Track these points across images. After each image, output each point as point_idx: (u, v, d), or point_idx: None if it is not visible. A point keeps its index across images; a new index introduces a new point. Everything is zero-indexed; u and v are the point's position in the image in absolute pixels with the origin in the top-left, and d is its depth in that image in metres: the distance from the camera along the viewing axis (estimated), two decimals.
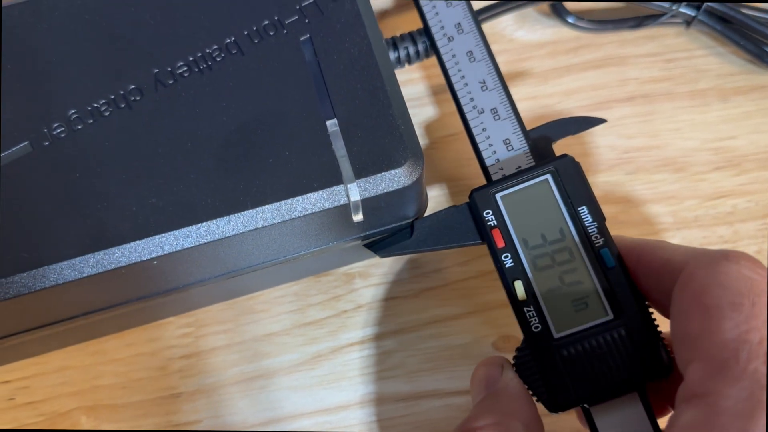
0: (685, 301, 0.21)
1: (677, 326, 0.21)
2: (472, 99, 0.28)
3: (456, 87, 0.29)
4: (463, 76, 0.29)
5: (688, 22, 0.34)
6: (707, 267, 0.21)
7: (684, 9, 0.33)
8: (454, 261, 0.32)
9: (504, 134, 0.28)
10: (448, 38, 0.29)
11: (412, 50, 0.30)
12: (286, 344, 0.31)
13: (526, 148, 0.27)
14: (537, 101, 0.34)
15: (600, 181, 0.33)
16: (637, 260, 0.24)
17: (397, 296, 0.31)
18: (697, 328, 0.20)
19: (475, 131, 0.28)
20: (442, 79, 0.30)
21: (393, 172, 0.25)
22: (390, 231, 0.28)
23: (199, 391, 0.30)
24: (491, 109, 0.28)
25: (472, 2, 0.35)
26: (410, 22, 0.34)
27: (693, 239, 0.32)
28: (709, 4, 0.33)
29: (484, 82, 0.28)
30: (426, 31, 0.30)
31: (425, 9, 0.30)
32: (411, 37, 0.30)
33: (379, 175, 0.25)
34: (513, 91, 0.34)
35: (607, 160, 0.33)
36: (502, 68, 0.35)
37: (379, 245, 0.28)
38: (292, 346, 0.31)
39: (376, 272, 0.32)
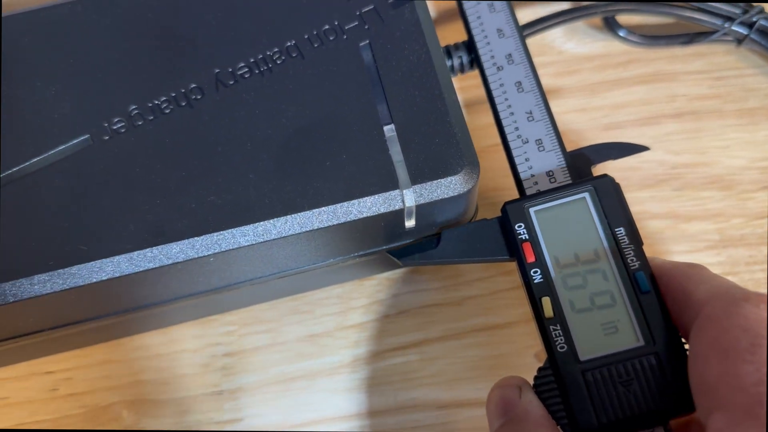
0: (702, 344, 0.20)
1: (695, 371, 0.21)
2: (517, 128, 0.28)
3: (502, 116, 0.28)
4: (510, 106, 0.28)
5: (740, 40, 0.34)
6: (727, 309, 0.20)
7: (736, 27, 0.33)
8: (498, 270, 0.32)
9: (548, 165, 0.27)
10: (498, 68, 0.29)
11: (465, 59, 0.30)
12: (328, 346, 0.31)
13: (570, 181, 0.27)
14: (585, 114, 0.34)
15: (647, 196, 0.33)
16: (664, 287, 0.23)
17: (440, 303, 0.31)
18: (716, 373, 0.20)
19: (517, 161, 0.27)
20: (479, 90, 0.30)
21: (449, 179, 0.25)
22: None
23: (241, 389, 0.30)
24: (536, 140, 0.28)
25: (525, 11, 0.35)
26: (456, 32, 0.34)
27: (739, 258, 0.32)
28: (762, 23, 0.33)
29: (531, 113, 0.28)
30: (476, 60, 0.30)
31: (477, 38, 0.29)
32: (465, 46, 0.30)
33: (435, 181, 0.25)
34: (560, 102, 0.35)
35: (655, 175, 0.33)
36: (551, 80, 0.35)
37: (402, 253, 0.27)
38: (333, 349, 0.31)
39: (419, 278, 0.32)
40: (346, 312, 0.32)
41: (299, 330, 0.31)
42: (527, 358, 0.30)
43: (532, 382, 0.24)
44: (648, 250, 0.32)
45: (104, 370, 0.31)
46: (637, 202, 0.32)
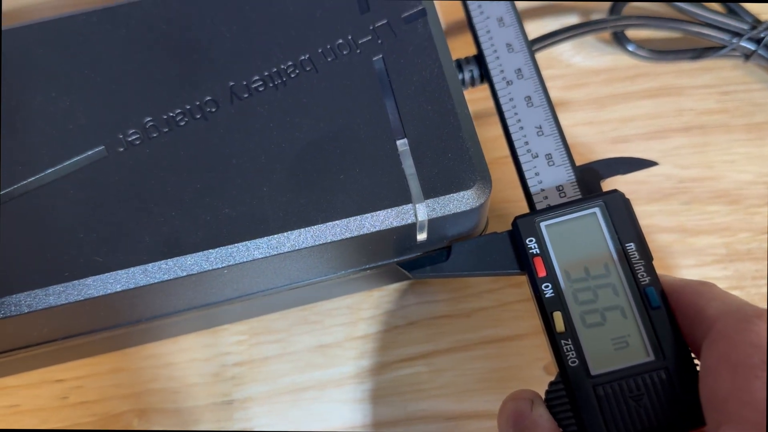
0: (714, 359, 0.21)
1: (706, 385, 0.21)
2: (526, 143, 0.28)
3: (511, 130, 0.28)
4: (519, 120, 0.28)
5: (747, 55, 0.34)
6: (738, 325, 0.20)
7: (744, 43, 0.33)
8: (507, 282, 0.32)
9: (557, 180, 0.27)
10: (507, 82, 0.29)
11: (476, 73, 0.30)
12: (338, 357, 0.31)
13: (579, 195, 0.27)
14: (594, 127, 0.34)
15: (655, 210, 0.33)
16: (675, 303, 0.24)
17: (449, 315, 0.32)
18: (726, 388, 0.20)
19: (527, 175, 0.28)
20: (487, 102, 0.30)
21: (461, 194, 0.25)
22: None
23: (251, 399, 0.31)
24: (546, 155, 0.28)
25: (534, 25, 0.35)
26: (468, 44, 0.34)
27: (746, 272, 0.32)
28: None
29: (541, 128, 0.28)
30: (486, 75, 0.30)
31: (486, 53, 0.30)
32: (476, 60, 0.31)
33: (447, 196, 0.25)
34: (569, 115, 0.35)
35: (663, 189, 0.33)
36: (559, 93, 0.35)
37: (413, 265, 0.27)
38: (343, 359, 0.31)
39: (428, 290, 0.32)
40: (355, 322, 0.32)
41: (309, 340, 0.31)
42: (536, 371, 0.31)
43: (542, 395, 0.24)
44: (656, 264, 0.32)
45: (115, 379, 0.31)
46: (646, 215, 0.33)
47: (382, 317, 0.32)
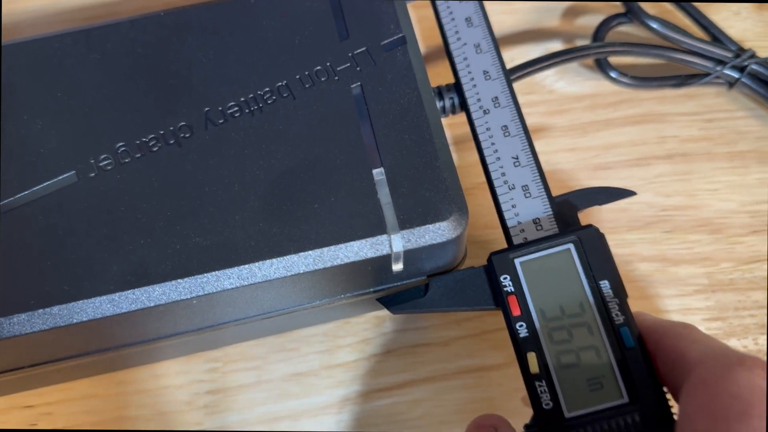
0: (692, 406, 0.20)
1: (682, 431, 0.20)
2: (503, 174, 0.28)
3: (488, 161, 0.28)
4: (496, 150, 0.28)
5: (731, 83, 0.34)
6: (720, 372, 0.20)
7: (728, 71, 0.33)
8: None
9: (534, 213, 0.27)
10: (484, 111, 0.29)
11: (457, 101, 0.30)
12: (314, 386, 0.31)
13: (556, 229, 0.26)
14: (575, 153, 0.34)
15: (636, 239, 0.32)
16: (655, 344, 0.23)
17: (428, 343, 0.31)
18: None
19: (504, 207, 0.27)
20: (467, 128, 0.30)
21: (437, 225, 0.25)
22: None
23: (225, 427, 0.30)
24: (522, 186, 0.27)
25: (516, 51, 0.35)
26: (447, 70, 0.34)
27: (728, 302, 0.32)
28: (753, 67, 0.33)
29: (518, 158, 0.28)
30: (463, 104, 0.29)
31: (463, 80, 0.29)
32: (456, 88, 0.30)
33: (423, 227, 0.25)
34: (550, 141, 0.35)
35: (644, 217, 0.33)
36: (540, 119, 0.35)
37: (391, 300, 0.27)
38: (319, 388, 0.31)
39: (407, 317, 0.32)
40: (332, 350, 0.31)
41: (285, 368, 0.31)
42: (515, 402, 0.30)
43: (512, 424, 0.24)
44: (637, 294, 0.32)
45: (86, 405, 0.31)
46: (627, 244, 0.32)
47: (360, 345, 0.31)
